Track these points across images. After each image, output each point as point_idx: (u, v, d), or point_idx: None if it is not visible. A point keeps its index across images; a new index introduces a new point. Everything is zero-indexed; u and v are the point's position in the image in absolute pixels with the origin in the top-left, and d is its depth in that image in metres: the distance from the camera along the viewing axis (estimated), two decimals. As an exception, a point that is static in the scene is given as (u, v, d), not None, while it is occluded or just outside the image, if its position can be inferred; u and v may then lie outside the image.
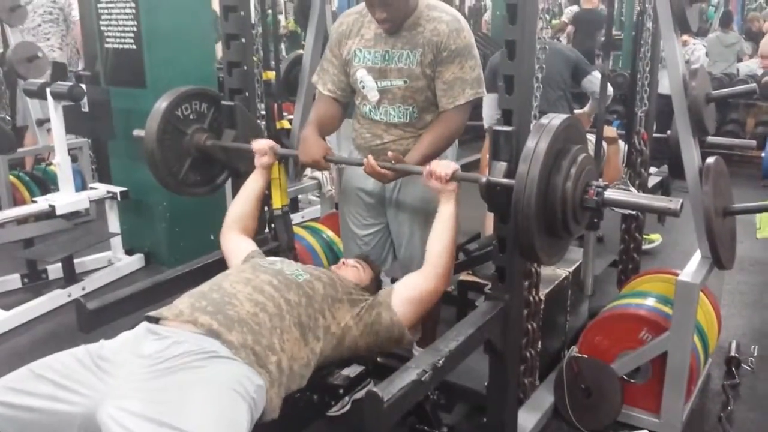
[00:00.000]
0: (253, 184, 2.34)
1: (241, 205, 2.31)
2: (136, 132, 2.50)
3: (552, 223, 1.75)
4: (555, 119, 1.75)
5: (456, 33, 2.18)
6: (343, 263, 2.17)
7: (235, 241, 2.21)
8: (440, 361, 1.65)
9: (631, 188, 2.96)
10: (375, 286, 2.19)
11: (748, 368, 2.92)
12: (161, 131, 2.40)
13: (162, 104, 2.42)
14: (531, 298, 2.34)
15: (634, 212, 2.98)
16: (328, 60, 2.41)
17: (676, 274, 2.41)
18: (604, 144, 3.32)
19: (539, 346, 2.42)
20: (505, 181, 1.82)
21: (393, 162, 2.12)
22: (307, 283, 1.86)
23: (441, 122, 2.27)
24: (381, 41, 2.27)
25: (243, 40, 2.47)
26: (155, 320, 1.66)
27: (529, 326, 2.36)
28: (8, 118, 5.02)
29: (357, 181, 2.48)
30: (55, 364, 1.48)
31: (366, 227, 2.51)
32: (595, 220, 2.74)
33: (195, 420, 1.35)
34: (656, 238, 4.37)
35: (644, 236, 4.34)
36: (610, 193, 1.78)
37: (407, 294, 1.94)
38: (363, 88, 2.33)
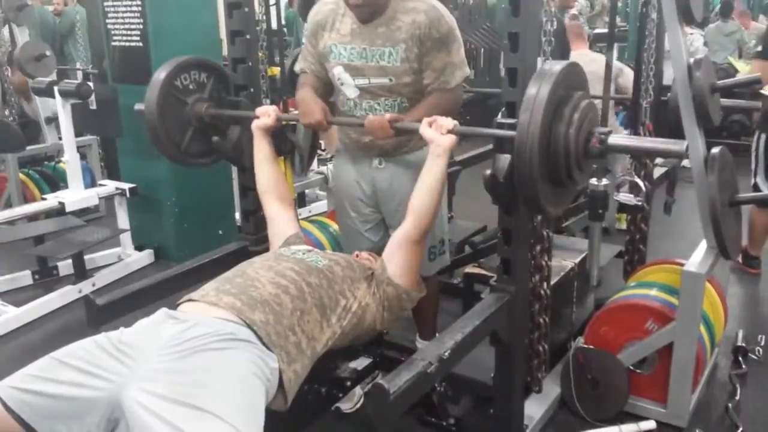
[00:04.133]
0: (258, 152, 2.32)
1: (260, 173, 2.31)
2: (137, 106, 2.48)
3: (555, 172, 1.72)
4: (556, 65, 1.72)
5: (437, 21, 2.14)
6: (357, 256, 2.19)
7: (276, 209, 2.24)
8: (446, 353, 1.67)
9: (637, 179, 2.96)
10: None
11: (755, 357, 2.92)
12: (161, 102, 2.39)
13: (160, 75, 2.41)
14: (542, 292, 2.35)
15: (639, 203, 2.98)
16: (306, 49, 2.38)
17: (682, 265, 2.42)
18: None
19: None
20: (508, 133, 1.80)
21: (390, 120, 2.09)
22: (327, 267, 1.89)
23: (434, 97, 2.22)
24: (358, 37, 2.21)
25: (248, 36, 2.48)
26: (174, 307, 1.70)
27: (541, 320, 2.37)
28: (17, 116, 5.06)
29: (346, 180, 2.46)
30: (78, 350, 1.50)
31: (365, 223, 2.50)
32: (600, 211, 2.74)
33: (218, 401, 1.37)
34: None
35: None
36: (614, 139, 1.75)
37: (398, 260, 1.98)
38: (341, 84, 2.29)
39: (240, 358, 1.51)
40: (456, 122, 1.96)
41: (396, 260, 1.98)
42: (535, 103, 1.64)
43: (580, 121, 1.70)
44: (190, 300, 1.72)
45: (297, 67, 2.45)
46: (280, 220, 2.22)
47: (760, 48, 3.65)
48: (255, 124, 2.31)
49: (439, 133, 1.94)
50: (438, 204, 2.01)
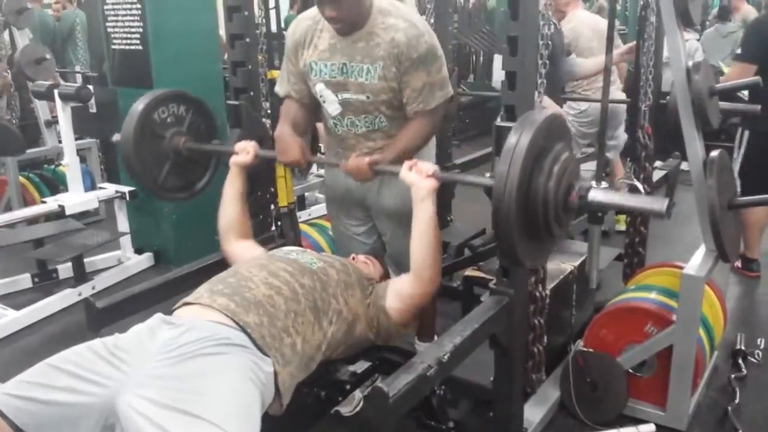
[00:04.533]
0: (230, 188, 2.24)
1: (226, 210, 2.24)
2: (115, 137, 2.45)
3: (534, 225, 1.65)
4: (537, 114, 1.68)
5: (415, 40, 2.08)
6: (354, 258, 2.19)
7: (240, 248, 2.18)
8: (445, 357, 1.67)
9: (636, 182, 2.97)
10: (386, 279, 2.22)
11: (755, 360, 2.92)
12: (138, 135, 2.32)
13: (138, 107, 2.35)
14: (537, 294, 2.35)
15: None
16: (287, 69, 2.34)
17: (682, 268, 2.42)
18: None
19: (545, 340, 2.44)
20: (485, 180, 1.80)
21: (370, 163, 2.08)
22: (321, 269, 1.89)
23: (414, 124, 2.19)
24: (337, 53, 2.17)
25: (247, 39, 2.48)
26: (170, 313, 1.70)
27: (536, 322, 2.37)
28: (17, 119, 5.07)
29: (338, 187, 2.45)
30: (72, 356, 1.50)
31: (358, 226, 2.50)
32: (600, 214, 2.75)
33: (212, 407, 1.38)
34: None
35: None
36: (595, 194, 1.71)
37: (399, 301, 1.94)
38: (324, 102, 2.26)
39: (234, 364, 1.51)
40: (436, 167, 1.92)
41: (399, 302, 1.93)
42: (514, 153, 1.57)
43: (561, 173, 1.64)
44: (185, 304, 1.72)
45: (279, 90, 2.38)
46: (244, 252, 2.15)
47: (739, 50, 3.65)
48: (233, 160, 2.24)
49: (419, 177, 1.90)
50: (438, 246, 1.94)
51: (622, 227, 4.02)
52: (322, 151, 5.83)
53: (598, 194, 1.73)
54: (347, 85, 2.19)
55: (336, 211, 2.53)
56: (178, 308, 1.73)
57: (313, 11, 2.21)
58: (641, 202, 1.76)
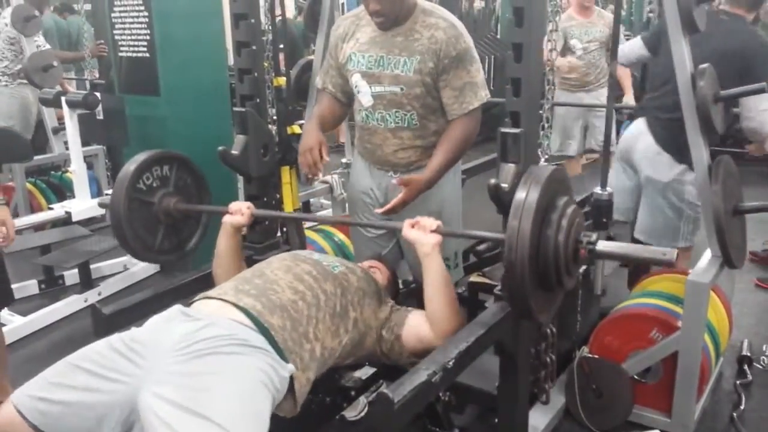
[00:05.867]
0: (224, 245, 2.19)
1: (221, 265, 2.19)
2: (100, 200, 2.45)
3: (545, 278, 1.68)
4: (541, 170, 1.71)
5: (455, 39, 2.17)
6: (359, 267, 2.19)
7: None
8: (450, 363, 1.66)
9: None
10: (393, 285, 2.25)
11: (761, 367, 2.92)
12: (127, 212, 2.25)
13: (124, 178, 2.27)
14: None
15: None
16: (328, 63, 2.45)
17: (687, 274, 2.42)
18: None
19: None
20: (495, 235, 1.83)
21: (400, 185, 2.15)
22: (342, 275, 1.91)
23: (455, 128, 2.25)
24: (376, 46, 2.26)
25: (254, 47, 2.50)
26: (188, 304, 1.72)
27: (548, 330, 2.37)
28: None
29: (361, 186, 2.51)
30: (91, 354, 1.52)
31: (376, 230, 2.52)
32: (605, 220, 2.75)
33: (223, 411, 1.39)
34: None
35: None
36: (602, 246, 1.74)
37: (417, 341, 1.91)
38: (358, 93, 2.34)
39: (250, 365, 1.51)
40: (439, 222, 1.92)
41: (416, 342, 1.90)
42: (524, 208, 1.61)
43: (569, 226, 1.68)
44: (206, 297, 1.73)
45: (317, 82, 2.50)
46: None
47: None
48: (226, 220, 2.19)
49: (422, 234, 1.90)
50: (453, 297, 1.91)
51: None
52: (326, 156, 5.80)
53: (606, 246, 1.76)
54: (381, 77, 2.26)
55: (355, 209, 2.58)
56: (198, 300, 1.73)
57: (358, 9, 2.36)
58: (649, 252, 1.77)
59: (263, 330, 1.61)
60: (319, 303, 1.77)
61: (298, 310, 1.71)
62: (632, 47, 3.29)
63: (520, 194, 1.64)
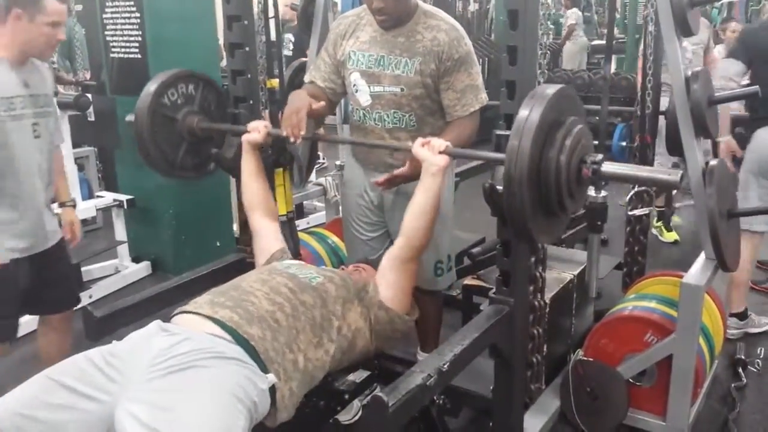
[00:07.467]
0: (245, 166, 2.29)
1: (246, 189, 2.29)
2: (129, 117, 2.43)
3: (546, 200, 1.62)
4: (548, 88, 1.63)
5: (457, 42, 2.18)
6: (342, 269, 2.18)
7: (264, 226, 2.21)
8: (445, 366, 1.66)
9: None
10: None
11: (755, 370, 2.92)
12: (150, 125, 2.34)
13: (150, 88, 2.37)
14: (537, 303, 2.34)
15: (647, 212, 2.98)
16: (321, 59, 2.41)
17: (681, 276, 2.41)
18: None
19: (545, 350, 2.43)
20: (496, 155, 1.79)
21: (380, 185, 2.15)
22: (321, 285, 1.88)
23: (455, 128, 2.23)
24: (376, 45, 2.25)
25: (247, 48, 2.48)
26: (168, 320, 1.69)
27: (535, 331, 2.37)
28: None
29: (355, 188, 2.49)
30: (71, 369, 1.49)
31: (370, 231, 2.52)
32: (599, 223, 2.74)
33: (192, 428, 1.36)
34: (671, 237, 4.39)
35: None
36: (608, 167, 1.68)
37: (389, 281, 1.94)
38: (356, 91, 2.32)
39: (223, 380, 1.48)
40: (448, 143, 1.93)
41: (387, 281, 1.95)
42: (525, 127, 1.55)
43: (573, 147, 1.61)
44: (183, 312, 1.71)
45: (306, 76, 2.47)
46: (265, 234, 2.20)
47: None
48: (245, 138, 2.27)
49: (432, 153, 1.91)
50: (432, 225, 1.95)
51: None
52: (321, 158, 5.82)
53: (611, 167, 1.70)
54: (381, 77, 2.25)
55: (349, 211, 2.56)
56: (176, 315, 1.72)
57: (359, 9, 2.35)
58: (654, 173, 1.74)
59: (241, 341, 1.59)
60: (297, 314, 1.74)
61: (277, 320, 1.69)
62: (728, 67, 3.24)
63: (522, 111, 1.58)
